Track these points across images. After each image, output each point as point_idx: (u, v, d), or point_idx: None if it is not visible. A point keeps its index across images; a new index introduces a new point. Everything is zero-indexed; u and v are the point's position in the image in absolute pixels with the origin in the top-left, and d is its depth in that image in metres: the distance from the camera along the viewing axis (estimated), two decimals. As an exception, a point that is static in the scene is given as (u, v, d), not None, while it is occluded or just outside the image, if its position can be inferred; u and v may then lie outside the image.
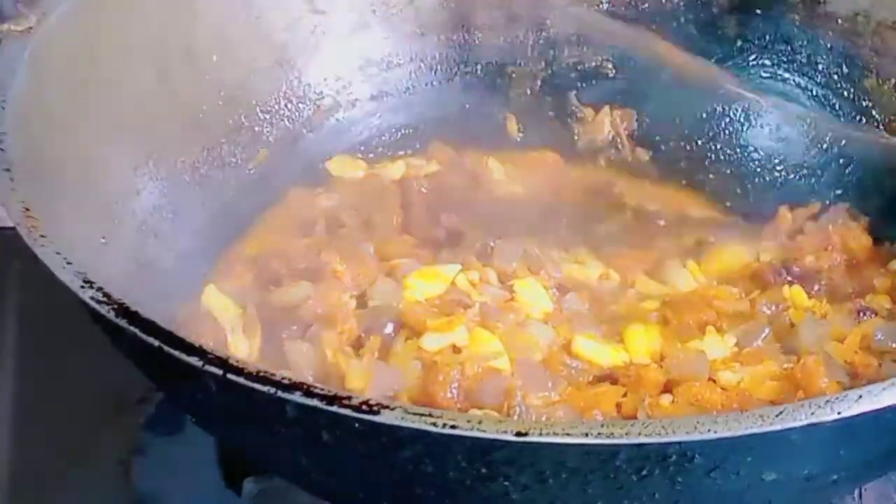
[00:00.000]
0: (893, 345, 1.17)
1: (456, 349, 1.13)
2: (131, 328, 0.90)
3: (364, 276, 1.22)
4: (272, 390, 0.85)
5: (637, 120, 1.49)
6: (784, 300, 1.23)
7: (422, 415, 0.83)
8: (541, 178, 1.45)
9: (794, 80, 1.45)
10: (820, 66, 1.43)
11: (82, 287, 0.94)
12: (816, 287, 1.26)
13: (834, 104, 1.42)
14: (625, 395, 1.11)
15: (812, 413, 0.84)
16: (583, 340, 1.17)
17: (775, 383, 1.12)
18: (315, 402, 0.84)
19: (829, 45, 1.43)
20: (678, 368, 1.14)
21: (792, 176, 1.43)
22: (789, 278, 1.26)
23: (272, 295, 1.21)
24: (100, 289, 0.93)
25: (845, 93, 1.41)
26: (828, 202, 1.39)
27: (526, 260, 1.26)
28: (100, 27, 1.25)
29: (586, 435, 0.83)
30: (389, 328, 1.16)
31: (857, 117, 1.40)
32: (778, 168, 1.44)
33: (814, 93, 1.44)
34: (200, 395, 0.93)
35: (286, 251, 1.27)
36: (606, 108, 1.50)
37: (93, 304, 0.92)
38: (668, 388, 1.12)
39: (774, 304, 1.23)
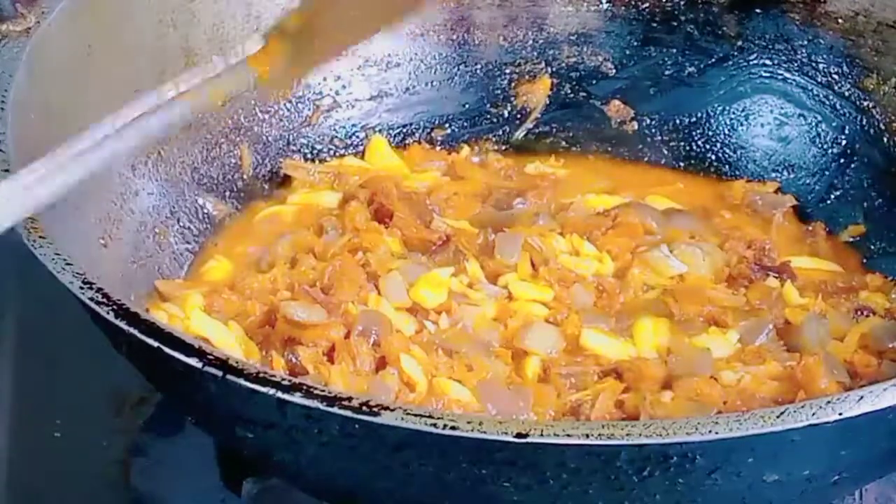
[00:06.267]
0: (892, 344, 1.18)
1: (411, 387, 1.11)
2: (130, 329, 0.90)
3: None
4: (272, 391, 0.85)
5: (637, 119, 1.49)
6: (770, 295, 1.23)
7: (422, 416, 0.83)
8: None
9: (794, 80, 1.44)
10: (820, 66, 1.43)
11: (82, 288, 0.93)
12: (788, 278, 1.26)
13: (834, 104, 1.42)
14: (625, 390, 1.11)
15: (813, 414, 0.84)
16: (591, 333, 1.17)
17: (776, 383, 1.12)
18: (315, 403, 0.84)
19: (829, 45, 1.42)
20: (682, 365, 1.14)
21: (792, 176, 1.43)
22: (772, 274, 1.26)
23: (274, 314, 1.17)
24: (99, 289, 0.93)
25: (846, 92, 1.41)
26: (828, 202, 1.39)
27: (528, 252, 1.26)
28: (98, 27, 1.25)
29: (587, 436, 0.83)
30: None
31: (858, 117, 1.40)
32: (778, 168, 1.44)
33: (814, 92, 1.43)
34: (200, 397, 0.93)
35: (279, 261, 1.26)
36: (609, 105, 1.50)
37: (92, 305, 0.92)
38: (668, 384, 1.12)
39: (766, 300, 1.23)
